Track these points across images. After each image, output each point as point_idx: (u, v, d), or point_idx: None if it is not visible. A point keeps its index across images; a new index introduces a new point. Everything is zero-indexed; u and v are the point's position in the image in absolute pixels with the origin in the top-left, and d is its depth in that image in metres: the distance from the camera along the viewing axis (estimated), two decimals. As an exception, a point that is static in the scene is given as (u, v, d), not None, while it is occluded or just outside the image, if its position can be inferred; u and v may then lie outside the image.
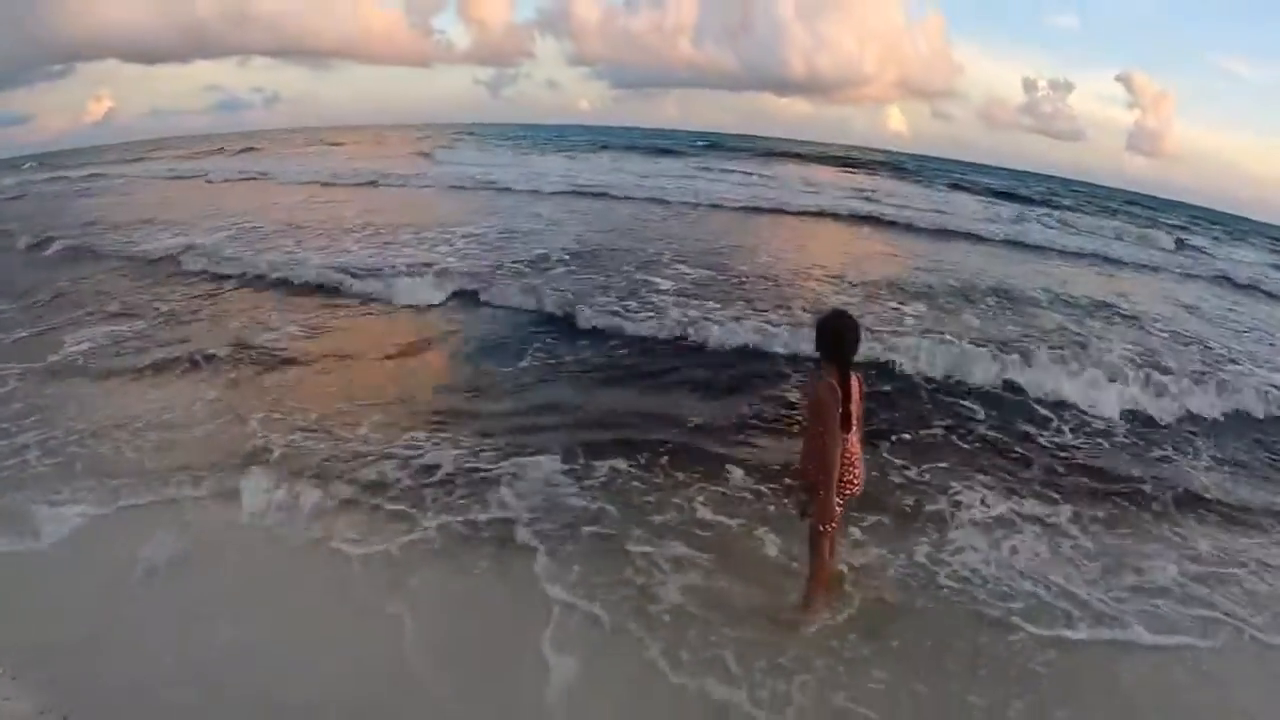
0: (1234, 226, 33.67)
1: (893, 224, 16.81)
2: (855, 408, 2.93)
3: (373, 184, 19.67)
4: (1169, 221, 27.96)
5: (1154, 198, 44.79)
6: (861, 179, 28.77)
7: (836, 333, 2.92)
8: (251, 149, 34.03)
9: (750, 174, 25.41)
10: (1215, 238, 25.50)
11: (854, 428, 2.95)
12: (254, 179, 21.58)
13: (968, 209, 22.15)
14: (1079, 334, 8.83)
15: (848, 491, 3.01)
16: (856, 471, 3.01)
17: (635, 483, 4.51)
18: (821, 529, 3.02)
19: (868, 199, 21.40)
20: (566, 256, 10.81)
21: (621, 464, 4.72)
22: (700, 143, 44.18)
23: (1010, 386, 6.62)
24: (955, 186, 29.70)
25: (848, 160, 38.05)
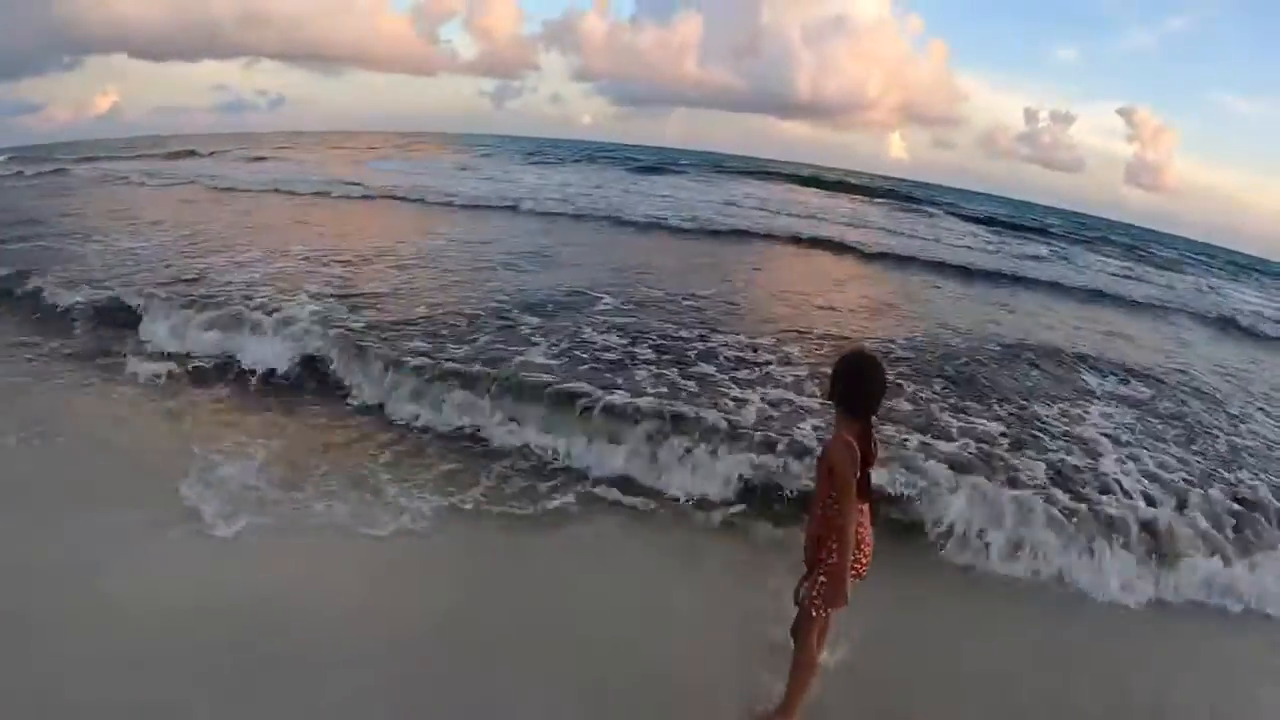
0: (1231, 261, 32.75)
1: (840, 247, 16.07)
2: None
3: (324, 194, 18.39)
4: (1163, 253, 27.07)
5: (1153, 231, 43.99)
6: (830, 202, 27.61)
7: (859, 377, 2.48)
8: (215, 152, 32.90)
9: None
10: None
11: (869, 495, 2.55)
12: (192, 183, 20.27)
13: (948, 235, 21.12)
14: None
15: (855, 570, 2.55)
16: (866, 550, 2.61)
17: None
18: (816, 615, 2.59)
19: (815, 218, 20.81)
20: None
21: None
22: (686, 160, 43.39)
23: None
24: (951, 213, 28.74)
25: (818, 181, 36.84)
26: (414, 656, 2.94)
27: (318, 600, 3.24)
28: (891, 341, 8.22)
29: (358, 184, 20.14)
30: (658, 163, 39.52)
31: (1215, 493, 5.15)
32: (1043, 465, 5.29)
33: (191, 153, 32.85)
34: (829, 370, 2.55)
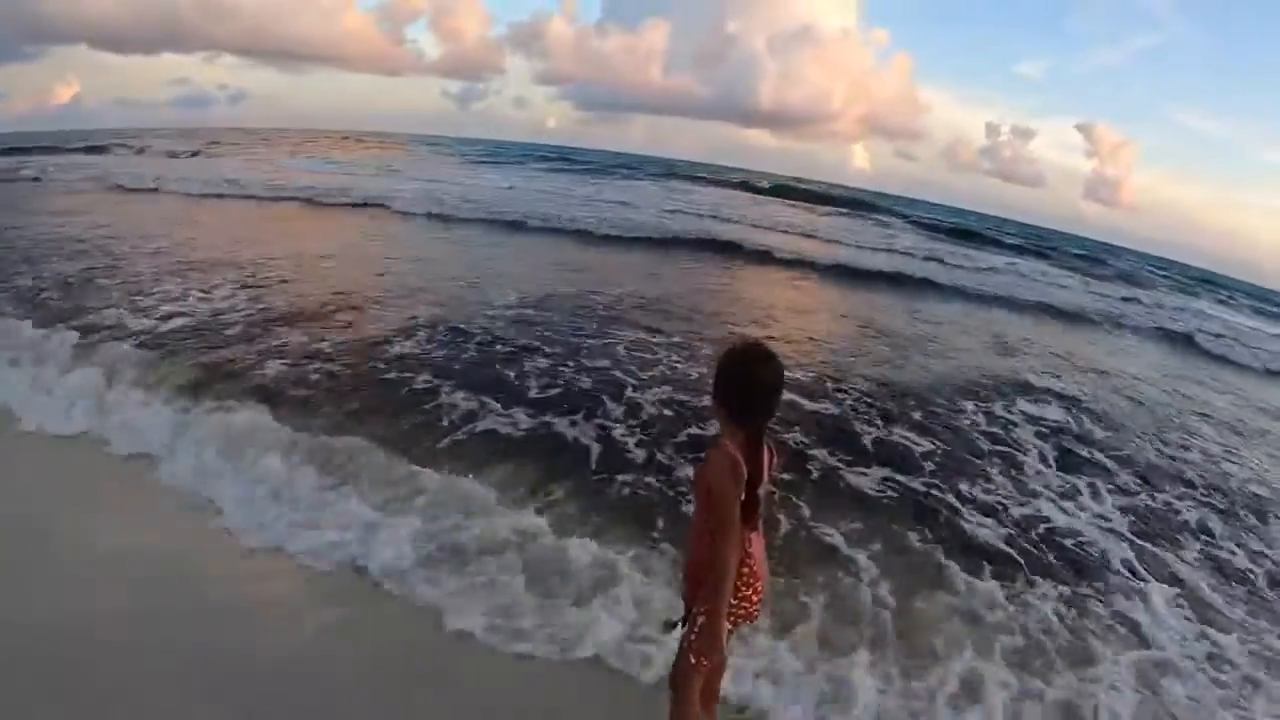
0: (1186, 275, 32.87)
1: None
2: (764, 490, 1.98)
3: (219, 196, 16.99)
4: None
5: (1110, 245, 44.33)
6: (774, 210, 26.60)
7: (745, 375, 1.91)
8: (144, 149, 31.14)
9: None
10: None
11: (758, 521, 2.02)
12: (88, 180, 18.70)
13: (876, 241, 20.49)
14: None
15: (742, 613, 2.08)
16: (759, 585, 2.09)
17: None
18: (695, 663, 2.06)
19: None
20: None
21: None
22: (653, 167, 42.65)
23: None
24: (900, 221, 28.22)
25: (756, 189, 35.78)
26: None
27: None
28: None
29: (274, 183, 18.93)
30: (613, 166, 38.71)
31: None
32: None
33: (103, 149, 30.74)
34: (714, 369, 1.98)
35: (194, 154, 29.49)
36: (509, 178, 27.50)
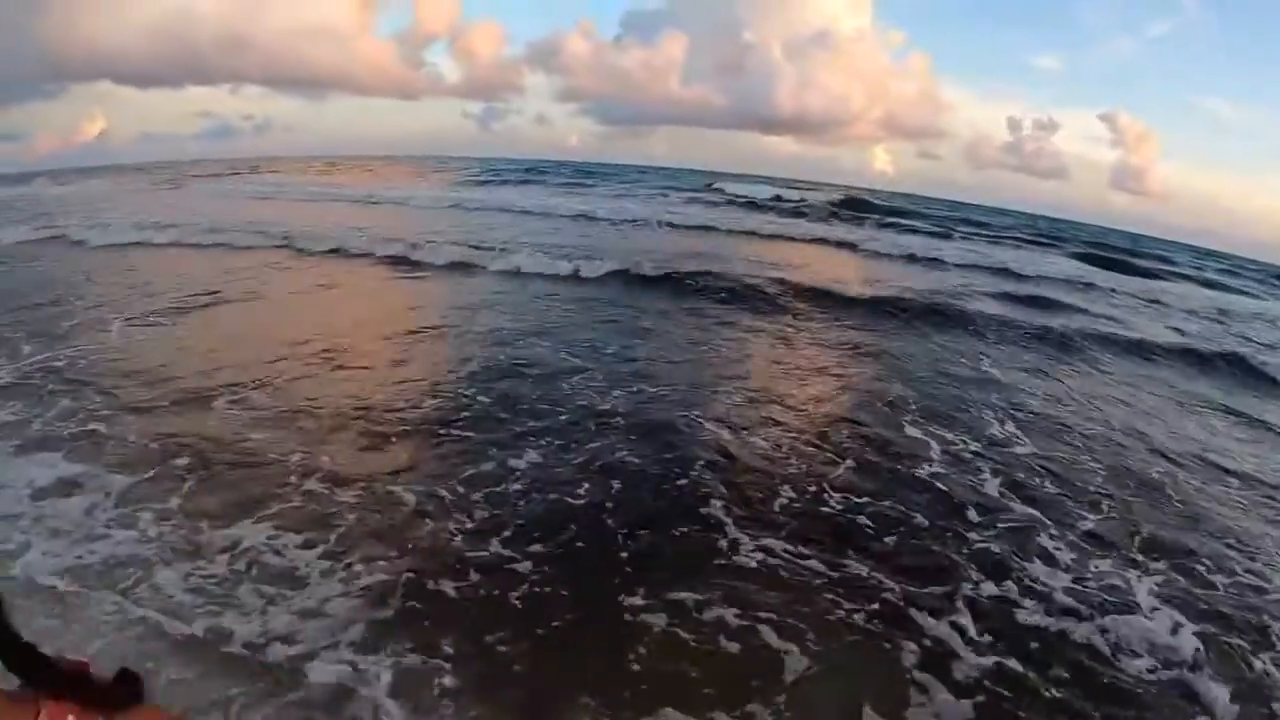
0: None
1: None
2: None
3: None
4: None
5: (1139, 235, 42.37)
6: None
7: None
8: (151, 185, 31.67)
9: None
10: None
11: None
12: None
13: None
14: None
15: None
16: None
17: None
18: None
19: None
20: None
21: None
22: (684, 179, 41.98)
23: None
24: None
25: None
26: None
27: None
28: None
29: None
30: (662, 183, 37.62)
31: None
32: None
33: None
34: None
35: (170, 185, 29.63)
36: (570, 201, 24.99)
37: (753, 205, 27.70)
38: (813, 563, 3.95)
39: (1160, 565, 4.29)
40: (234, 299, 9.21)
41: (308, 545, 3.79)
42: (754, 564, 3.91)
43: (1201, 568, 4.31)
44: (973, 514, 4.68)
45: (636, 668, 3.11)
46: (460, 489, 4.48)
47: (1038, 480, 5.31)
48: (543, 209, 21.95)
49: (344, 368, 6.52)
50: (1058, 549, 4.33)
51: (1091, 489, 5.24)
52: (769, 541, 4.12)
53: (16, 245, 13.18)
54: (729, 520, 4.34)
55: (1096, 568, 4.18)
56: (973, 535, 4.40)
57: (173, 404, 5.56)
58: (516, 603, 3.46)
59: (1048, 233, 31.60)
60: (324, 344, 7.22)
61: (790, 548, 4.08)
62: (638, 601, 3.52)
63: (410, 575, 3.60)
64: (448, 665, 3.01)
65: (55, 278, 10.27)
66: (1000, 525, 4.55)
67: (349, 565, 3.64)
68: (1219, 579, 4.21)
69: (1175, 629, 3.67)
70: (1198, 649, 3.52)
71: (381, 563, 3.67)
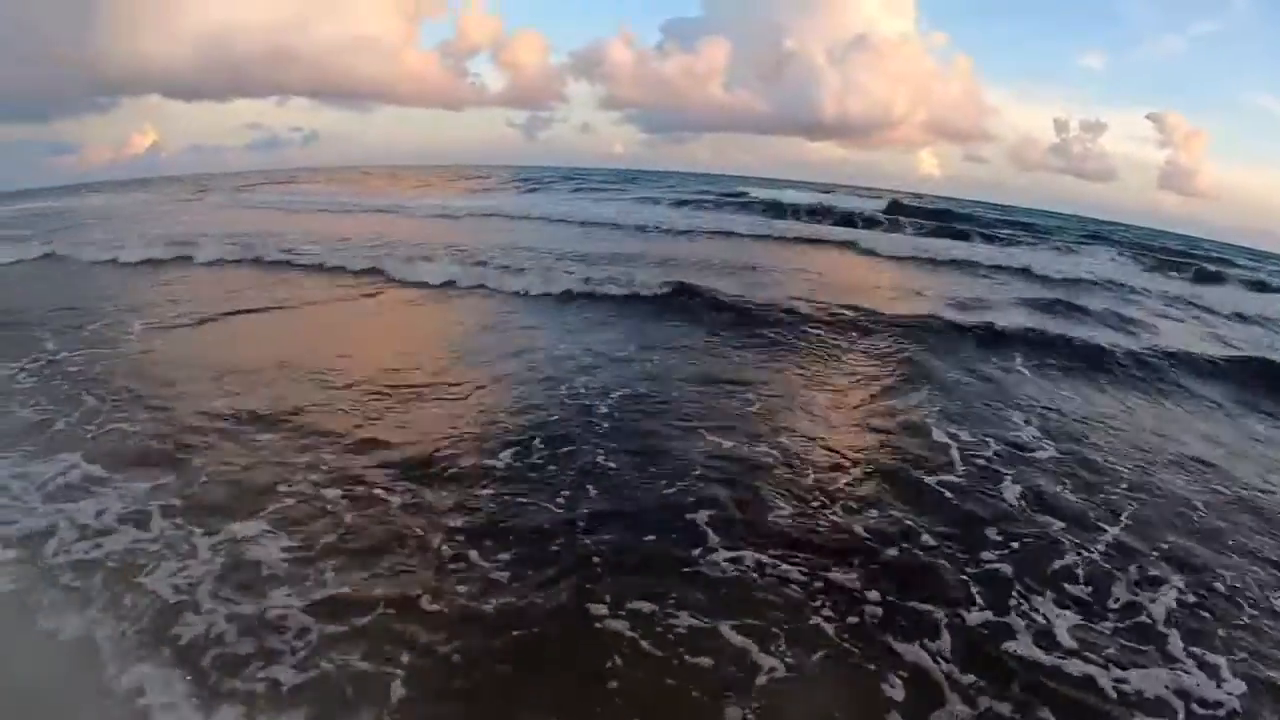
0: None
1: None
2: None
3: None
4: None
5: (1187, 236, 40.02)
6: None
7: None
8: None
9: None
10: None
11: None
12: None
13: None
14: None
15: None
16: None
17: None
18: None
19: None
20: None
21: None
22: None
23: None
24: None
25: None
26: None
27: None
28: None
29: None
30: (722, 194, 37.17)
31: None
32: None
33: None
34: None
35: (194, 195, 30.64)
36: (640, 214, 23.24)
37: (792, 212, 26.96)
38: (798, 574, 3.81)
39: (1191, 599, 4.00)
40: (259, 310, 9.50)
41: (287, 548, 3.85)
42: (734, 574, 3.80)
43: (1247, 605, 4.00)
44: (986, 529, 4.46)
45: (606, 680, 3.05)
46: (444, 494, 4.50)
47: (1060, 489, 5.05)
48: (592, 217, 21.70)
49: (357, 380, 6.62)
50: (1075, 572, 4.09)
51: (1117, 506, 4.92)
52: (753, 553, 4.00)
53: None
54: (713, 529, 4.21)
55: (1116, 601, 3.92)
56: (983, 554, 4.19)
57: (188, 408, 5.75)
58: (489, 610, 3.44)
59: (1103, 235, 30.30)
60: (341, 356, 7.42)
61: (777, 559, 3.95)
62: (604, 610, 3.45)
63: (388, 578, 3.62)
64: (400, 673, 3.01)
65: (76, 289, 10.68)
66: (1013, 544, 4.32)
67: (321, 570, 3.67)
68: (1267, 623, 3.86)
69: (1212, 675, 3.40)
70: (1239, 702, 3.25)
71: (358, 570, 3.69)
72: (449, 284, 11.20)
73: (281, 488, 4.48)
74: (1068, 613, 3.70)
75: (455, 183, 39.59)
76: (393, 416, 5.70)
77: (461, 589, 3.58)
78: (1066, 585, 3.95)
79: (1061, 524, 4.60)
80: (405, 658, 3.10)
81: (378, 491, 4.47)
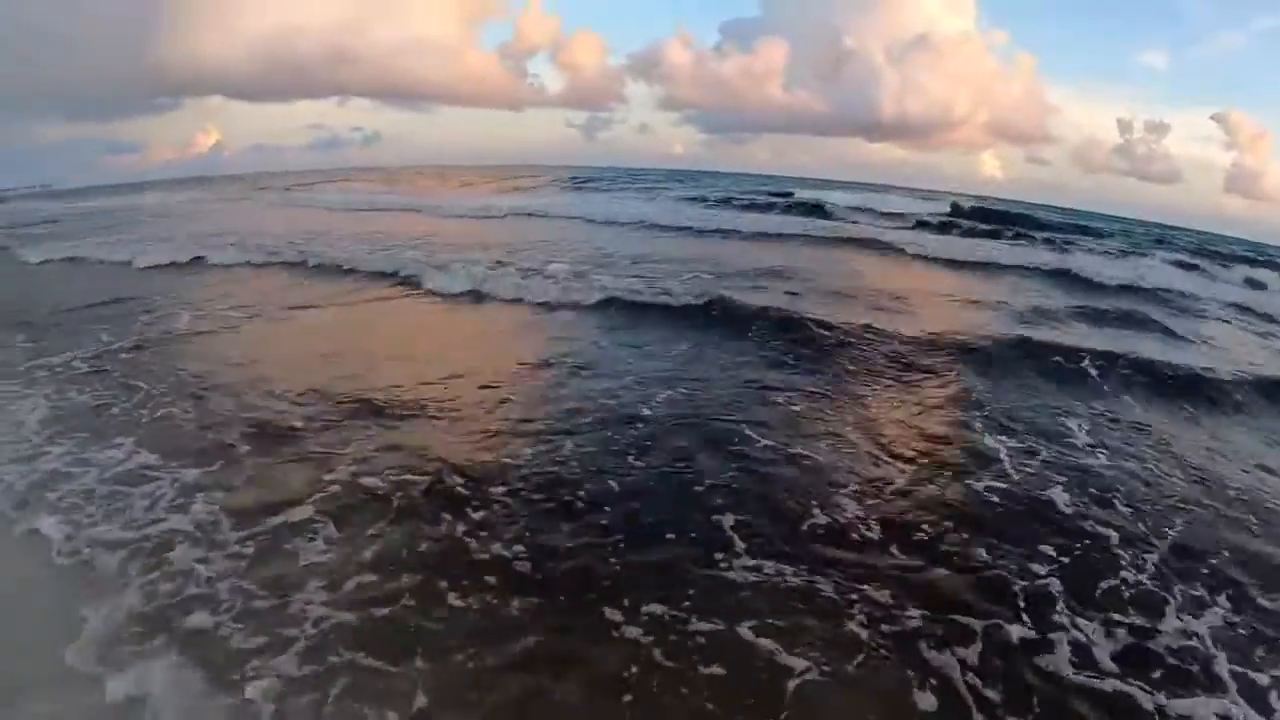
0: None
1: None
2: None
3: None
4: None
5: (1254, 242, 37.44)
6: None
7: None
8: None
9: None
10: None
11: None
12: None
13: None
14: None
15: None
16: None
17: None
18: None
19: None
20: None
21: None
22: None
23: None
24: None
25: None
26: None
27: None
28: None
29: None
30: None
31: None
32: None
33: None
34: None
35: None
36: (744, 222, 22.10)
37: (848, 213, 26.40)
38: (830, 583, 3.86)
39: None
40: (316, 308, 9.97)
41: (321, 539, 4.08)
42: (761, 580, 3.87)
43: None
44: (1033, 541, 4.42)
45: (623, 687, 3.13)
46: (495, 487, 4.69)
47: (1112, 505, 4.94)
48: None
49: (389, 383, 6.89)
50: (1121, 591, 4.02)
51: (1168, 524, 4.78)
52: (782, 556, 4.06)
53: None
54: (738, 533, 4.30)
55: (1162, 622, 3.84)
56: (1031, 566, 4.16)
57: (234, 400, 6.11)
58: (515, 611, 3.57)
59: (1168, 239, 28.89)
60: (389, 348, 7.74)
61: (806, 564, 4.00)
62: (618, 617, 3.53)
63: (412, 572, 3.79)
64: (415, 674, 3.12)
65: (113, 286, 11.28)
66: (1061, 558, 4.26)
67: (346, 563, 3.86)
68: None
69: (1260, 704, 3.30)
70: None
71: (385, 564, 3.85)
72: (473, 291, 11.02)
73: (321, 480, 4.71)
74: (1111, 632, 3.66)
75: (506, 182, 40.25)
76: (426, 417, 5.88)
77: (488, 584, 3.73)
78: (1111, 603, 3.89)
79: (1111, 540, 4.51)
80: (421, 657, 3.22)
81: (409, 489, 4.66)
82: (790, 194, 30.45)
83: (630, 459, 5.23)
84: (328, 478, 4.73)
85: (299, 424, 5.59)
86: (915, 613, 3.66)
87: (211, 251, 13.89)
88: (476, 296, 10.76)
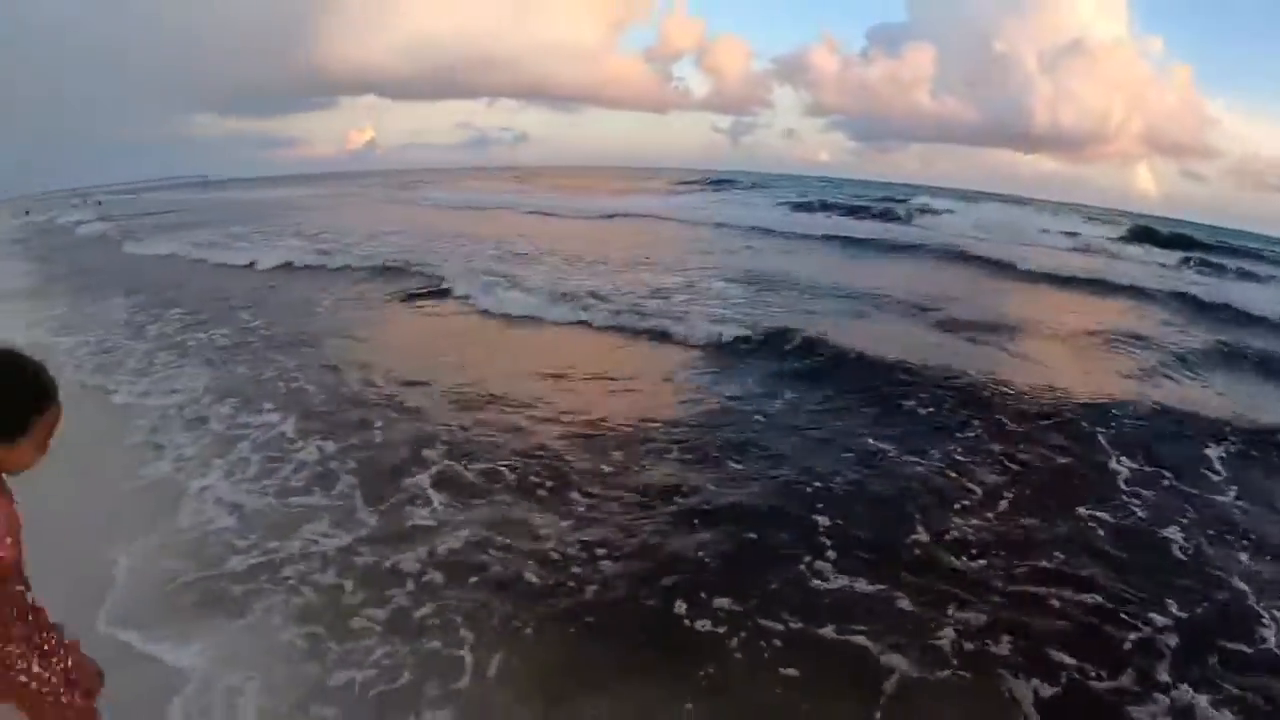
0: None
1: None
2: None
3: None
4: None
5: None
6: None
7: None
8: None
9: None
10: None
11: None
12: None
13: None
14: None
15: None
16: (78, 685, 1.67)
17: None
18: None
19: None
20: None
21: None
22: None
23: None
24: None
25: None
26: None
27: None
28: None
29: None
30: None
31: None
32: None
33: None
34: None
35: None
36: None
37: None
38: (919, 598, 3.97)
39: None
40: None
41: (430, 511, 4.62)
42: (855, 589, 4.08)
43: None
44: (1149, 589, 4.23)
45: (701, 683, 3.27)
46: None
47: (1252, 558, 4.55)
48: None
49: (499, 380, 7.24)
50: (1245, 654, 3.77)
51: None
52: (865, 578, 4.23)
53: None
54: (829, 540, 4.48)
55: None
56: (1146, 613, 3.97)
57: (364, 379, 7.05)
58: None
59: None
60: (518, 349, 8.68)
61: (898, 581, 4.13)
62: (699, 611, 3.73)
63: (498, 552, 4.15)
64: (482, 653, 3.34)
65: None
66: (1180, 612, 4.04)
67: (446, 536, 4.28)
68: None
69: None
70: None
71: (473, 549, 4.18)
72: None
73: (434, 457, 5.33)
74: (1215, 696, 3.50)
75: (646, 182, 40.82)
76: (537, 410, 6.39)
77: (570, 574, 4.01)
78: (1227, 666, 3.70)
79: (1242, 596, 4.22)
80: (495, 635, 3.48)
81: (511, 479, 5.07)
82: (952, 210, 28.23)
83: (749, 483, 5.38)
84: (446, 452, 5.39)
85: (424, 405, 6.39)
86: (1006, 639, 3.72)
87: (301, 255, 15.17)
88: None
